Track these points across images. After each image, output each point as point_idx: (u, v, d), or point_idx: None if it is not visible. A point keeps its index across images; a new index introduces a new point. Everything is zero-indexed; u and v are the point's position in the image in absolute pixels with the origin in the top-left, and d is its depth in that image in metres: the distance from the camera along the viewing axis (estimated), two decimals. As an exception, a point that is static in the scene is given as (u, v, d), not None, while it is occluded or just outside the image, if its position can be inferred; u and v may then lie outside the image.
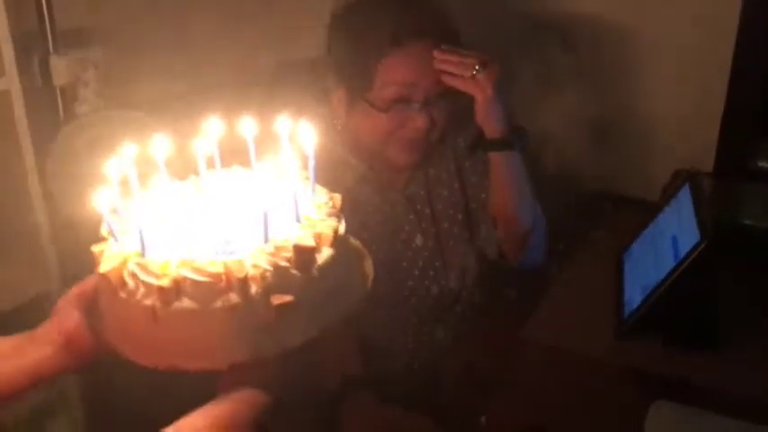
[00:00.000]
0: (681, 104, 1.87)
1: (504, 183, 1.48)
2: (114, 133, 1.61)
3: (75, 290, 0.86)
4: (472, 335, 1.54)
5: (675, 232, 1.42)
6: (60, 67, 1.59)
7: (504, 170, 1.47)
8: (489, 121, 1.43)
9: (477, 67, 1.37)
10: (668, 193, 1.57)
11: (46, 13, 1.57)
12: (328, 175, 1.45)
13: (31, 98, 1.51)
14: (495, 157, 1.46)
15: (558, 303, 1.51)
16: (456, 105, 1.46)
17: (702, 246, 1.29)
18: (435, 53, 1.38)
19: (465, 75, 1.38)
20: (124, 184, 0.83)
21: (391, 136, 1.43)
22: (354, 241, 0.88)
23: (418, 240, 1.53)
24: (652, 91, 1.90)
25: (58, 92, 1.62)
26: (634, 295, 1.41)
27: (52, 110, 1.63)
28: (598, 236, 1.68)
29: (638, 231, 1.57)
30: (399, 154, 1.45)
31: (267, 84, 1.84)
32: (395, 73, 1.38)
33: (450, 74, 1.38)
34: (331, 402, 1.21)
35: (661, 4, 1.83)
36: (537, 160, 1.97)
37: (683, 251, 1.33)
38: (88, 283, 0.86)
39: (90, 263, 0.81)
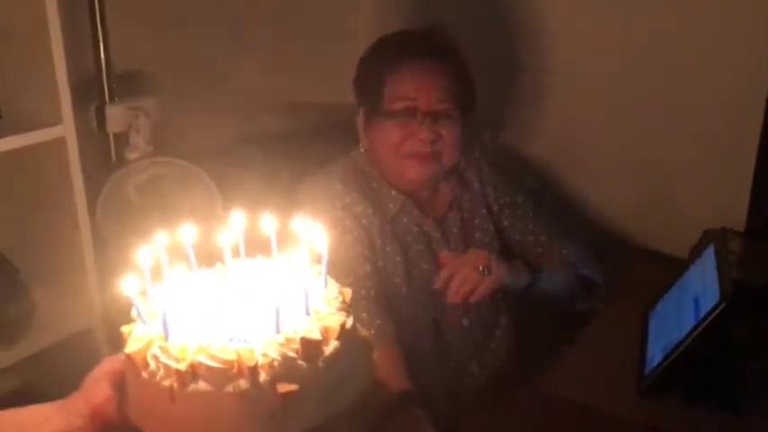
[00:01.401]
0: (714, 163, 1.88)
1: (552, 298, 1.60)
2: (161, 179, 1.68)
3: (106, 365, 0.90)
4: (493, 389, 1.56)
5: (698, 292, 1.42)
6: (115, 116, 1.67)
7: (545, 297, 1.59)
8: (516, 287, 1.53)
9: (480, 269, 1.45)
10: (694, 254, 1.57)
11: (104, 64, 1.66)
12: (373, 205, 1.54)
13: (85, 144, 1.58)
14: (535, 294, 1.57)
15: (582, 358, 1.53)
16: (465, 125, 1.57)
17: (721, 307, 1.29)
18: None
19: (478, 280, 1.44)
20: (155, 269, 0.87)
21: (400, 148, 1.53)
22: (363, 332, 0.91)
23: None
24: (687, 153, 1.91)
25: (112, 138, 1.71)
26: (656, 353, 1.42)
27: (105, 155, 1.71)
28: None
29: (664, 289, 1.58)
30: (410, 167, 1.54)
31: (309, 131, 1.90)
32: (399, 88, 1.53)
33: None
34: (384, 415, 1.24)
35: (691, 64, 1.84)
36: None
37: (704, 311, 1.33)
38: (120, 359, 0.90)
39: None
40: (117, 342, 0.88)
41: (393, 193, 1.58)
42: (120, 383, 0.88)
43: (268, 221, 0.91)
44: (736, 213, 1.82)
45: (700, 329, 1.31)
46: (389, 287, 1.52)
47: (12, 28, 1.44)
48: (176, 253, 0.90)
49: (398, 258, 1.54)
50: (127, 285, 0.82)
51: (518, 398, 1.43)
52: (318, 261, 0.86)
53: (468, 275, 1.43)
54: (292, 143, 1.87)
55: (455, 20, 1.89)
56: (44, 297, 1.59)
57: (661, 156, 1.93)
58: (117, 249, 1.61)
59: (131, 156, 1.69)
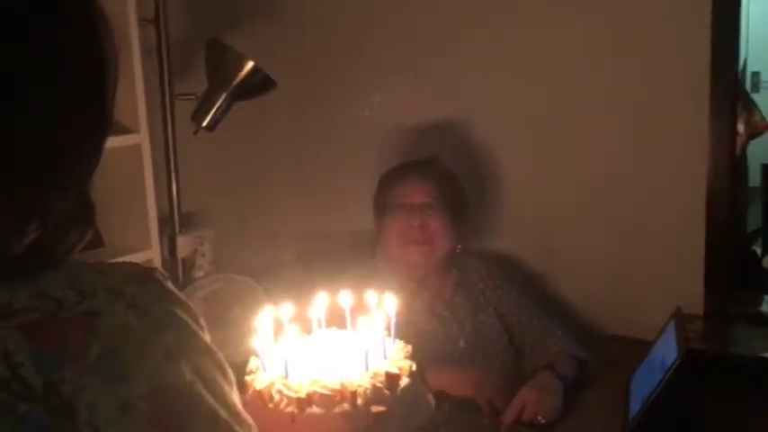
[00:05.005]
0: (670, 258, 2.14)
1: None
2: (222, 292, 1.99)
3: None
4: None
5: (664, 357, 1.70)
6: (184, 244, 2.01)
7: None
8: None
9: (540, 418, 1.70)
10: (661, 331, 1.88)
11: (176, 202, 2.00)
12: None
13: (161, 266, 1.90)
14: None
15: (579, 415, 1.75)
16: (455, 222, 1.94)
17: (678, 362, 1.56)
18: None
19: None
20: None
21: (401, 236, 1.91)
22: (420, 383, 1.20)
23: (461, 343, 1.89)
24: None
25: (180, 261, 2.03)
26: (635, 406, 1.68)
27: (175, 275, 2.03)
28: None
29: (639, 361, 1.87)
30: (411, 252, 1.91)
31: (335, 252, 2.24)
32: (397, 191, 1.96)
33: None
34: None
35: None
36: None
37: (666, 368, 1.61)
38: None
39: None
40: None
41: (405, 281, 1.90)
42: None
43: (346, 297, 1.23)
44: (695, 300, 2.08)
45: (664, 381, 1.57)
46: None
47: (114, 175, 1.79)
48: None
49: (412, 336, 1.83)
50: (255, 345, 1.13)
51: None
52: (387, 326, 1.18)
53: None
54: (322, 262, 2.20)
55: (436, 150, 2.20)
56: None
57: (619, 252, 2.19)
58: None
59: (197, 274, 2.01)
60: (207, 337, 0.70)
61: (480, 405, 1.72)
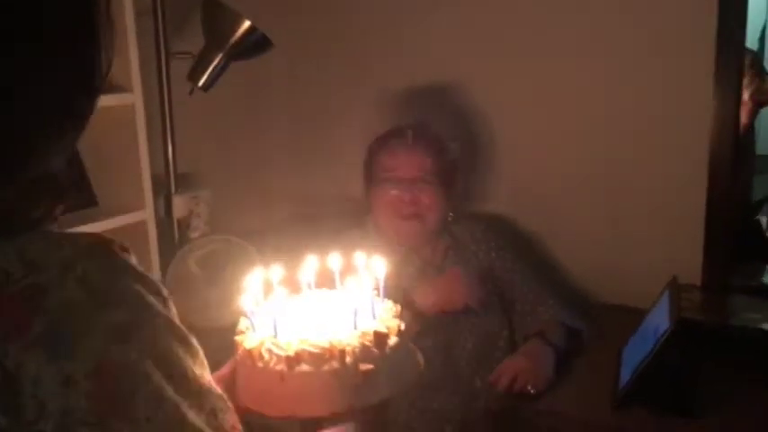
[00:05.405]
0: (669, 228, 2.16)
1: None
2: (218, 253, 2.00)
3: (215, 375, 1.16)
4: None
5: (657, 325, 1.70)
6: (179, 204, 2.01)
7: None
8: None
9: (530, 389, 1.72)
10: (656, 300, 1.89)
11: (171, 162, 2.00)
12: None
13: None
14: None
15: (570, 385, 1.79)
16: (448, 194, 1.92)
17: (670, 330, 1.58)
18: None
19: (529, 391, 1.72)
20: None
21: (390, 211, 1.89)
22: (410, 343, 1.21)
23: None
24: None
25: (176, 222, 2.04)
26: (626, 375, 1.69)
27: (170, 235, 2.04)
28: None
29: (633, 330, 1.88)
30: (400, 226, 1.89)
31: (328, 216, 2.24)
32: (385, 161, 1.93)
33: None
34: None
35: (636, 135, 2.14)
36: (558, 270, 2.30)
37: (658, 336, 1.62)
38: (224, 369, 1.14)
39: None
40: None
41: (396, 246, 1.90)
42: (228, 384, 1.16)
43: (335, 259, 1.23)
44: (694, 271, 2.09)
45: (655, 350, 1.59)
46: None
47: (108, 135, 1.78)
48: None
49: (401, 300, 1.83)
50: (245, 304, 1.13)
51: (521, 413, 1.70)
52: (376, 286, 1.18)
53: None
54: (315, 225, 2.21)
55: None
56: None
57: (618, 223, 2.20)
58: (182, 312, 1.91)
59: (193, 235, 2.02)
60: (171, 312, 0.68)
61: (474, 308, 1.81)
